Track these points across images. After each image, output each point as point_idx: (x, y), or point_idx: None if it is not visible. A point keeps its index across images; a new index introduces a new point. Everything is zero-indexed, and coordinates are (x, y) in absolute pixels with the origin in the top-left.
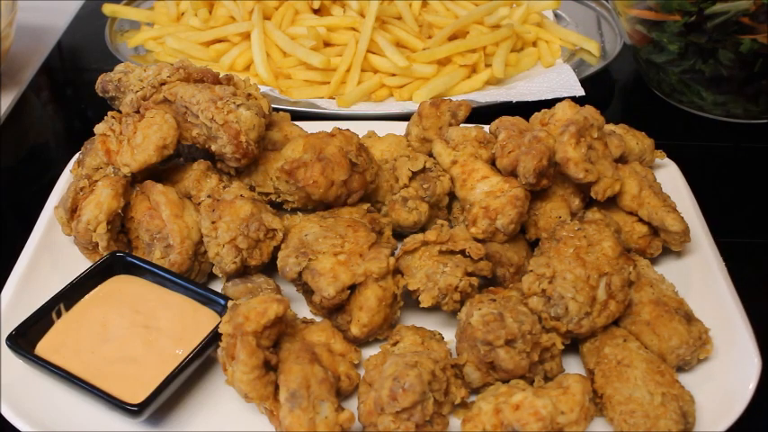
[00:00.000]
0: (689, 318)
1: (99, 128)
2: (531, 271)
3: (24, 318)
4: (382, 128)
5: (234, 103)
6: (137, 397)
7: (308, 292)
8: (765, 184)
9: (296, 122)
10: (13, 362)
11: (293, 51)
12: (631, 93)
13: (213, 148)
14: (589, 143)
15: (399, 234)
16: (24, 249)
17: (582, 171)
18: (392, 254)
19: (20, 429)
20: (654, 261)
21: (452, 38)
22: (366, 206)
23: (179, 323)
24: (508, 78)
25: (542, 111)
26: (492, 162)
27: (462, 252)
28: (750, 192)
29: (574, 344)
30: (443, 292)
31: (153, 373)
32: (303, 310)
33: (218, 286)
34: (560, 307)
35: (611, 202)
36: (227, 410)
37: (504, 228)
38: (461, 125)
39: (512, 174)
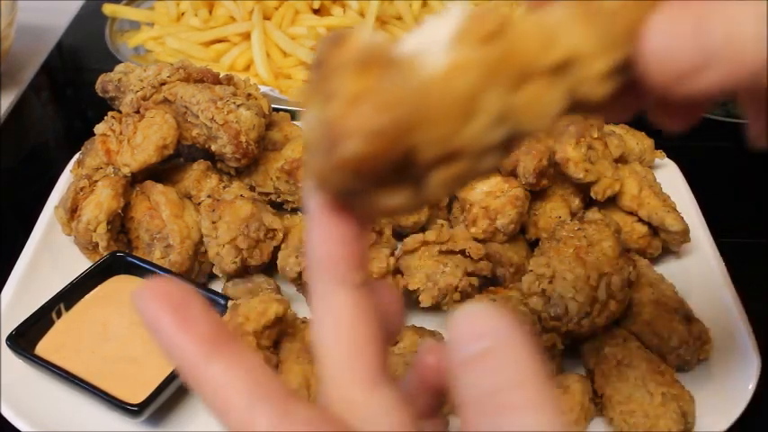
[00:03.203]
0: (689, 318)
1: (99, 128)
2: (531, 271)
3: (24, 318)
4: None
5: (234, 103)
6: (137, 397)
7: (308, 292)
8: (765, 184)
9: (296, 122)
10: (13, 362)
11: (293, 51)
12: None
13: (213, 148)
14: (589, 143)
15: (399, 234)
16: (24, 249)
17: (582, 171)
18: (392, 254)
19: (20, 429)
20: (654, 261)
21: None
22: None
23: None
24: None
25: None
26: None
27: (462, 252)
28: (750, 192)
29: (574, 344)
30: (443, 292)
31: (153, 373)
32: (303, 310)
33: (218, 286)
34: (560, 307)
35: (611, 202)
36: None
37: (504, 228)
38: None
39: (511, 174)
